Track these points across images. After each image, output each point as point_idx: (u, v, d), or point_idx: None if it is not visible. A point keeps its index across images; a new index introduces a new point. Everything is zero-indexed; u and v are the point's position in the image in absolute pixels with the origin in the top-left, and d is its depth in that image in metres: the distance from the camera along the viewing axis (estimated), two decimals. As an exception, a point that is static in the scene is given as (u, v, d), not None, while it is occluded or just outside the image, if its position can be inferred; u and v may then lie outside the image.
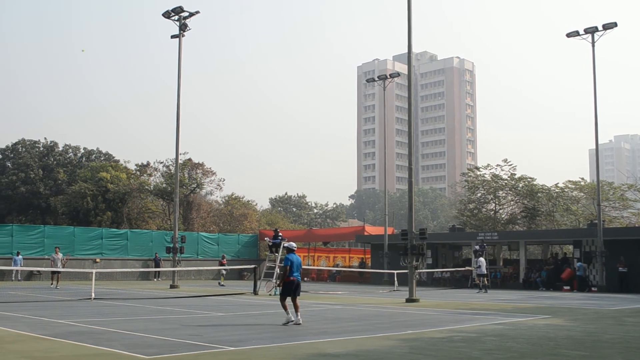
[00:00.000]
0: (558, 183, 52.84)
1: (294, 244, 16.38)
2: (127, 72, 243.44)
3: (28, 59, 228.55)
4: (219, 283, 38.75)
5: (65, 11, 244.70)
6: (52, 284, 32.18)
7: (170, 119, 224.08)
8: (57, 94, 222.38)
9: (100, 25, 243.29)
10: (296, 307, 15.31)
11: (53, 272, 32.66)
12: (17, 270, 39.20)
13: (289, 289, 15.42)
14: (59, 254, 33.36)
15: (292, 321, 14.99)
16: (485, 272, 34.86)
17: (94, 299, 23.45)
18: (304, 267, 46.81)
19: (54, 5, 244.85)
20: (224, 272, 40.31)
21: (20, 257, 38.91)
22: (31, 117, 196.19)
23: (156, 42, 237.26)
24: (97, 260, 43.65)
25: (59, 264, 32.79)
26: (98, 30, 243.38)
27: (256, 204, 76.54)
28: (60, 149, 66.48)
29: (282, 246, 30.04)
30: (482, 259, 34.77)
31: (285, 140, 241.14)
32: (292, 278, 15.39)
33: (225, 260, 42.17)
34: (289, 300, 15.47)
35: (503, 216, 54.70)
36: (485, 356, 10.57)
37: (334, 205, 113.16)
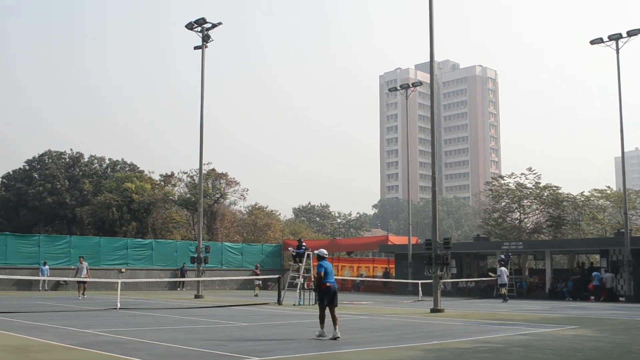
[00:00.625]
0: (584, 191, 52.48)
1: (324, 251, 15.63)
2: (148, 83, 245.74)
3: (48, 71, 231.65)
4: (255, 294, 38.02)
5: (80, 23, 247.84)
6: (79, 296, 32.11)
7: (191, 129, 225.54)
8: (80, 105, 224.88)
9: (118, 36, 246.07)
10: (334, 319, 14.24)
11: (79, 282, 32.81)
12: (44, 280, 39.62)
13: (325, 297, 14.55)
14: (84, 263, 33.47)
15: (326, 336, 13.98)
16: (506, 282, 34.76)
17: (120, 308, 23.61)
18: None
19: (68, 15, 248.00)
20: (258, 282, 39.62)
21: (47, 267, 39.31)
22: (56, 129, 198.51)
23: (171, 52, 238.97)
24: (123, 270, 43.97)
25: (84, 273, 32.90)
26: (116, 41, 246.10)
27: (279, 214, 76.85)
28: (86, 159, 67.19)
29: (306, 255, 30.03)
30: (503, 269, 34.78)
31: (308, 150, 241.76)
32: (327, 284, 14.57)
33: (259, 270, 41.90)
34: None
35: (528, 225, 54.27)
36: (511, 367, 10.48)
37: (357, 215, 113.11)
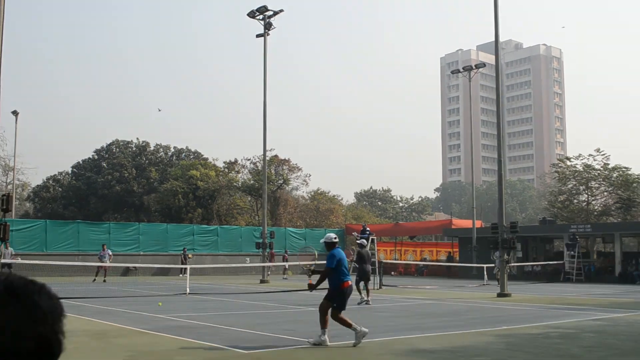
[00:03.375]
0: (655, 172, 50.84)
1: (332, 235, 11.93)
2: (209, 72, 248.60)
3: (111, 63, 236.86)
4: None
5: (140, 14, 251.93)
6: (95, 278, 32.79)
7: (254, 116, 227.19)
8: (145, 94, 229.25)
9: (179, 25, 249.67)
10: (325, 322, 11.32)
11: (99, 267, 32.97)
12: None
13: (344, 299, 11.33)
14: (107, 249, 34.45)
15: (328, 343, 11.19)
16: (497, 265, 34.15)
17: (189, 293, 24.16)
18: (391, 261, 46.86)
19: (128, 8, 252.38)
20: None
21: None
22: (121, 118, 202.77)
23: (233, 40, 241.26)
24: (190, 256, 44.85)
25: (107, 259, 33.55)
26: (177, 31, 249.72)
27: (342, 199, 77.00)
28: (152, 148, 68.66)
29: (370, 240, 29.96)
30: (497, 253, 33.87)
31: (369, 135, 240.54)
32: (349, 282, 11.37)
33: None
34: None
35: (596, 208, 53.04)
36: (586, 354, 10.32)
37: (420, 199, 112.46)
